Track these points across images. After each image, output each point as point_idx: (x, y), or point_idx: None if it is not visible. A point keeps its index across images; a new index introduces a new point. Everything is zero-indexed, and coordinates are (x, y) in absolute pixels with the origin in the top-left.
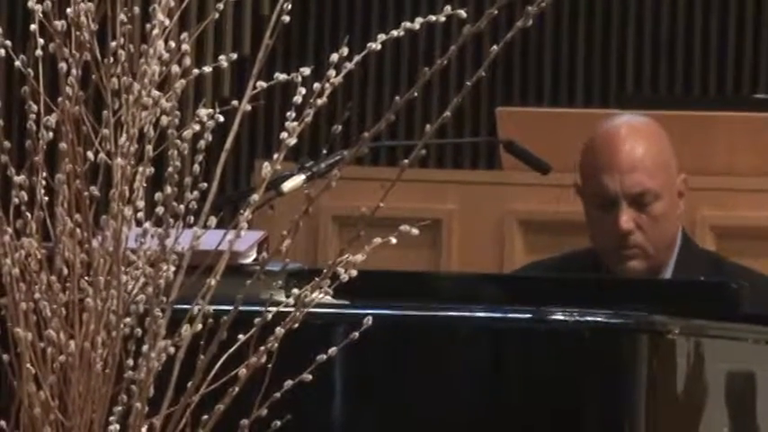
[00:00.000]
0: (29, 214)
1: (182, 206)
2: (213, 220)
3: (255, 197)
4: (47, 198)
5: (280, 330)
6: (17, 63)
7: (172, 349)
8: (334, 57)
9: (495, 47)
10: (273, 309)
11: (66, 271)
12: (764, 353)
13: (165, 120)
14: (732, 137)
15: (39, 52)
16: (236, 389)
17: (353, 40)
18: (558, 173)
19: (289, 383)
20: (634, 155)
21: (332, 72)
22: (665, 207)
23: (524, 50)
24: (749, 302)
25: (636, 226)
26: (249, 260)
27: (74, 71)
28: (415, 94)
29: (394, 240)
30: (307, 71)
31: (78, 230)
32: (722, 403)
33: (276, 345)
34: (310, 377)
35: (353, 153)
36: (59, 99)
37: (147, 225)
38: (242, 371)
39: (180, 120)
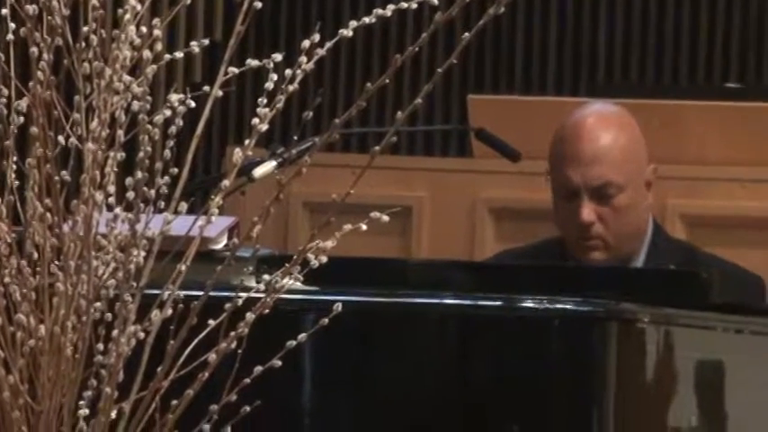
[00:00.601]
0: None
1: (152, 191)
2: (184, 206)
3: (226, 183)
4: (17, 182)
5: (250, 316)
6: None
7: (142, 334)
8: (306, 43)
9: (466, 34)
10: (244, 294)
11: (36, 255)
12: (734, 342)
13: (136, 105)
14: (703, 126)
15: (10, 36)
16: (206, 374)
17: (325, 26)
18: (529, 160)
19: (258, 369)
20: (597, 147)
21: (303, 58)
22: (629, 199)
23: (496, 38)
24: (720, 292)
25: (597, 218)
26: (220, 246)
27: (45, 56)
28: (387, 80)
29: (364, 227)
30: (278, 57)
31: (49, 215)
32: (691, 391)
33: (246, 331)
34: (280, 363)
35: (325, 139)
36: (30, 83)
37: (117, 210)
38: (212, 356)
39: (151, 105)
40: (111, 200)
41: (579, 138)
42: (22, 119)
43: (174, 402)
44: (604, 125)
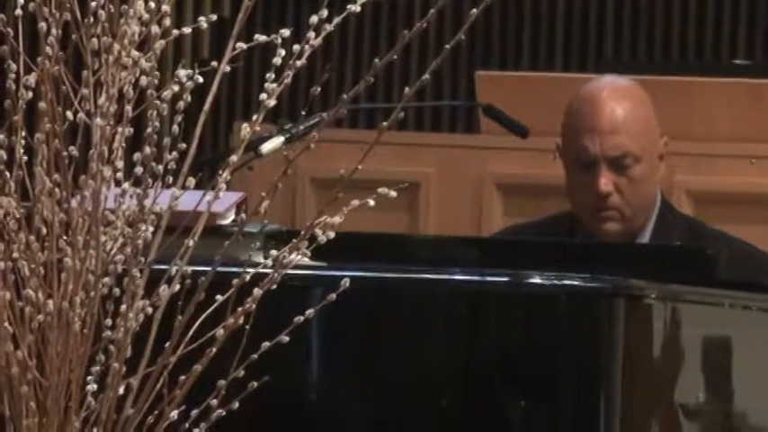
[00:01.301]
0: (8, 173)
1: (160, 167)
2: (192, 181)
3: (234, 158)
4: (26, 158)
5: (257, 291)
6: None
7: (150, 310)
8: (314, 19)
9: (474, 10)
10: (251, 270)
11: (44, 231)
12: (740, 318)
13: (144, 80)
14: (710, 102)
15: (18, 11)
16: (214, 350)
17: (333, 1)
18: (537, 136)
19: (266, 345)
20: (615, 117)
21: (311, 34)
22: (644, 170)
23: (504, 14)
24: (727, 268)
25: (615, 188)
26: (227, 221)
27: (53, 31)
28: (395, 56)
29: (372, 203)
30: (286, 33)
31: (57, 190)
32: (698, 368)
33: (254, 306)
34: (287, 339)
35: (332, 115)
36: (39, 59)
37: (125, 185)
38: (219, 332)
39: (159, 80)
40: (120, 175)
41: (596, 108)
42: (30, 94)
43: (182, 378)
44: (619, 97)
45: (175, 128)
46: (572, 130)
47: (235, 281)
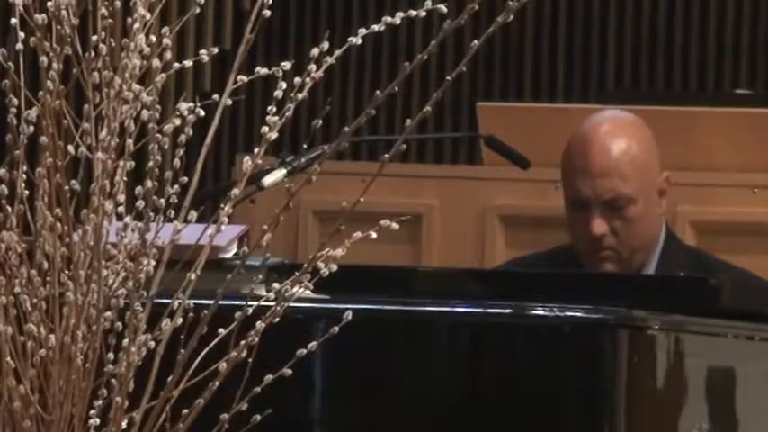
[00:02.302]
0: (9, 208)
1: (162, 200)
2: (194, 215)
3: (236, 191)
4: (27, 192)
5: (260, 325)
6: None
7: (152, 343)
8: (315, 51)
9: (475, 42)
10: (254, 303)
11: (46, 265)
12: (744, 348)
13: (145, 114)
14: (712, 132)
15: (19, 46)
16: (217, 383)
17: (334, 34)
18: (539, 168)
19: (269, 378)
20: (608, 159)
21: (312, 67)
22: (640, 210)
23: (505, 45)
24: (731, 299)
25: (609, 230)
26: (230, 254)
27: (54, 65)
28: (396, 88)
29: (374, 235)
30: (287, 66)
31: (59, 224)
32: (702, 399)
33: (256, 339)
34: (290, 372)
35: (334, 148)
36: (40, 93)
37: (127, 219)
38: (222, 365)
39: (161, 114)
40: (121, 209)
41: (589, 149)
42: (31, 128)
43: (185, 411)
44: (615, 135)
45: (177, 161)
46: (567, 171)
47: (237, 314)
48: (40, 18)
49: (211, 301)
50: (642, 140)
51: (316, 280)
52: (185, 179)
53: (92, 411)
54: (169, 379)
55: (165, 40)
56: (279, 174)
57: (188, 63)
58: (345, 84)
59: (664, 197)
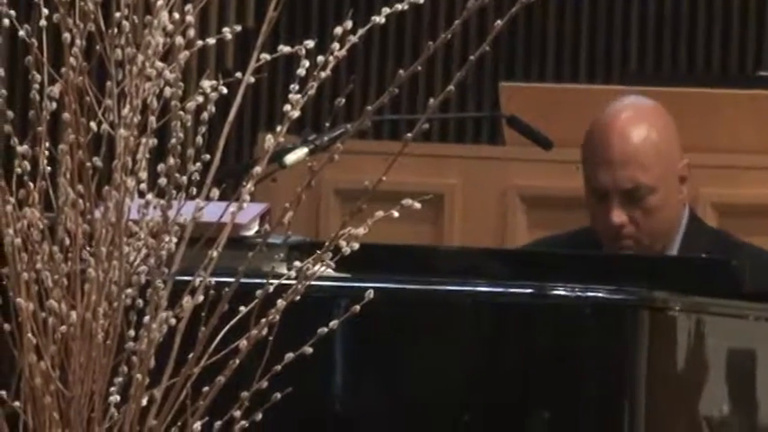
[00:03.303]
0: (31, 184)
1: (184, 178)
2: (216, 192)
3: (258, 169)
4: (49, 168)
5: (281, 303)
6: (21, 33)
7: (173, 321)
8: (338, 30)
9: (498, 21)
10: (275, 281)
11: (68, 241)
12: (765, 330)
13: (168, 91)
14: (735, 114)
15: (43, 22)
16: (237, 361)
17: (357, 13)
18: (561, 148)
19: (290, 356)
20: (627, 148)
21: (336, 45)
22: (660, 199)
23: (528, 26)
24: (753, 280)
25: (628, 219)
26: (251, 232)
27: (78, 41)
28: (419, 68)
29: (396, 214)
30: (310, 44)
31: (81, 201)
32: (722, 380)
33: (277, 317)
34: (311, 350)
35: (356, 126)
36: (63, 69)
37: (149, 196)
38: (243, 343)
39: (183, 91)
40: (143, 186)
41: (610, 138)
42: (54, 105)
43: (206, 389)
44: (635, 124)
45: (199, 139)
46: (588, 159)
47: (258, 292)
48: None
49: (233, 279)
50: (663, 128)
51: (337, 258)
52: (207, 157)
53: (112, 388)
54: (190, 356)
55: (188, 18)
56: (301, 152)
57: (211, 41)
58: (368, 63)
59: (684, 183)
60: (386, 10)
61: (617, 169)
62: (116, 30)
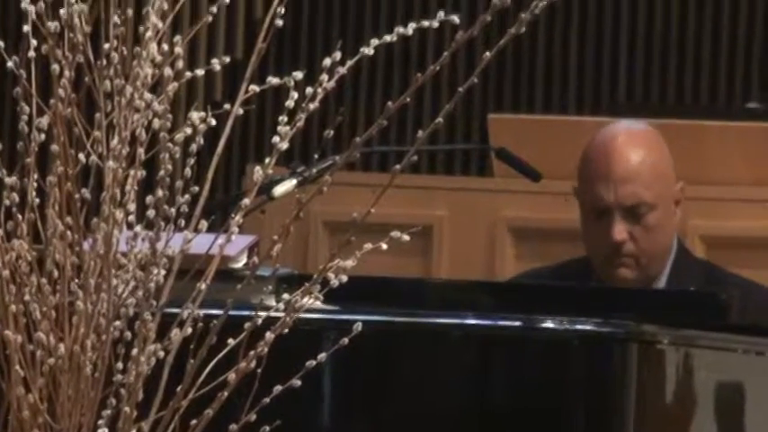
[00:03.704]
0: (20, 216)
1: (173, 210)
2: (204, 224)
3: (246, 201)
4: (38, 200)
5: (270, 335)
6: (10, 64)
7: (161, 353)
8: (327, 61)
9: (487, 53)
10: (263, 314)
11: (56, 273)
12: (754, 363)
13: (157, 123)
14: (723, 146)
15: (32, 53)
16: (226, 394)
17: (346, 44)
18: (550, 180)
19: (278, 389)
20: (629, 165)
21: (324, 77)
22: (659, 218)
23: (517, 57)
24: (741, 313)
25: (629, 236)
26: (240, 264)
27: (66, 73)
28: (407, 99)
29: (384, 246)
30: (299, 75)
31: (69, 233)
32: (711, 413)
33: (266, 350)
34: (300, 383)
35: (345, 158)
36: (52, 101)
37: (137, 228)
38: (231, 376)
39: (172, 123)
40: (132, 218)
41: (610, 156)
42: (43, 136)
43: (194, 422)
44: (634, 143)
45: (188, 170)
46: (587, 178)
47: (247, 324)
48: (53, 26)
49: (221, 312)
50: (659, 149)
51: (325, 291)
52: (196, 188)
53: (100, 421)
54: (178, 389)
55: (177, 49)
56: (289, 184)
57: (199, 72)
58: (357, 94)
59: (678, 206)
60: (374, 41)
61: (619, 185)
62: (105, 61)
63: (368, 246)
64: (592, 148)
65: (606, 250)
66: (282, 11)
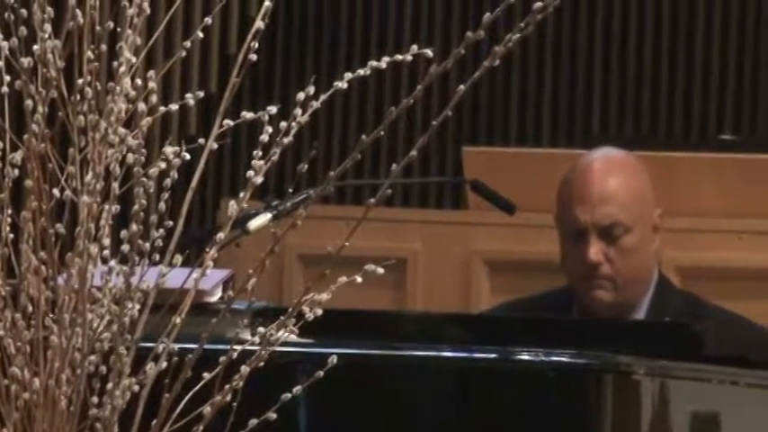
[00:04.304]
0: None
1: (147, 244)
2: (179, 259)
3: (221, 235)
4: (12, 235)
5: (245, 369)
6: None
7: (136, 387)
8: (301, 95)
9: (461, 86)
10: (239, 347)
11: (30, 308)
12: (729, 394)
13: (131, 157)
14: (697, 178)
15: (5, 89)
16: (201, 427)
17: (320, 78)
18: (524, 212)
19: (254, 422)
20: (606, 187)
21: (298, 111)
22: (635, 241)
23: (491, 90)
24: (716, 344)
25: (605, 258)
26: (215, 298)
27: (40, 108)
28: (381, 133)
29: (359, 279)
30: (273, 110)
31: (43, 268)
32: None
33: (241, 383)
34: (275, 415)
35: (319, 192)
36: (25, 136)
37: (112, 263)
38: (207, 409)
39: (146, 157)
40: (106, 253)
41: (588, 178)
42: (16, 171)
43: None
44: (613, 167)
45: (162, 205)
46: (565, 200)
47: (222, 358)
48: (26, 61)
49: (196, 345)
50: (638, 174)
51: (301, 324)
52: (170, 223)
53: None
54: (153, 423)
55: (151, 84)
56: (264, 218)
57: (174, 106)
58: (331, 128)
59: (657, 233)
60: (348, 75)
61: (595, 206)
62: (78, 96)
63: (342, 279)
64: (571, 171)
65: (583, 272)
66: (256, 46)
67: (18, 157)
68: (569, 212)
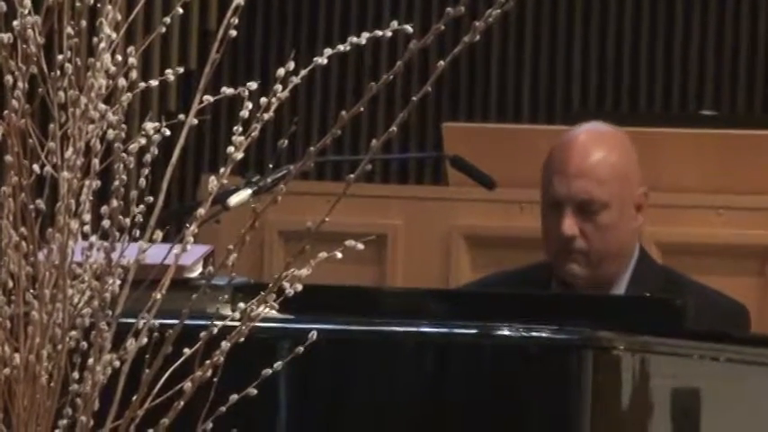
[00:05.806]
0: None
1: (127, 220)
2: (159, 234)
3: (201, 211)
4: None
5: (225, 344)
6: None
7: (117, 363)
8: (281, 71)
9: (441, 62)
10: (219, 323)
11: (11, 284)
12: (710, 369)
13: (111, 133)
14: (677, 153)
15: None
16: (182, 403)
17: (300, 54)
18: (504, 188)
19: (234, 397)
20: (586, 162)
21: (278, 87)
22: (613, 217)
23: (471, 66)
24: (696, 319)
25: (580, 232)
26: (195, 274)
27: (20, 84)
28: (361, 108)
29: (339, 255)
30: (253, 86)
31: (24, 243)
32: (667, 420)
33: (221, 359)
34: (255, 391)
35: (299, 168)
36: (5, 112)
37: (92, 239)
38: (187, 385)
39: (126, 133)
40: (87, 228)
41: (569, 151)
42: None
43: (150, 431)
44: (597, 142)
45: (142, 181)
46: (546, 172)
47: (202, 334)
48: (6, 37)
49: (176, 321)
50: (623, 151)
51: (281, 300)
52: (151, 199)
53: (56, 430)
54: (134, 398)
55: (131, 60)
56: (244, 194)
57: (153, 82)
58: (311, 104)
59: (641, 212)
60: (328, 51)
61: (572, 180)
62: (59, 72)
63: (323, 254)
64: (557, 144)
65: (557, 245)
66: (236, 21)
67: None
68: (549, 183)
